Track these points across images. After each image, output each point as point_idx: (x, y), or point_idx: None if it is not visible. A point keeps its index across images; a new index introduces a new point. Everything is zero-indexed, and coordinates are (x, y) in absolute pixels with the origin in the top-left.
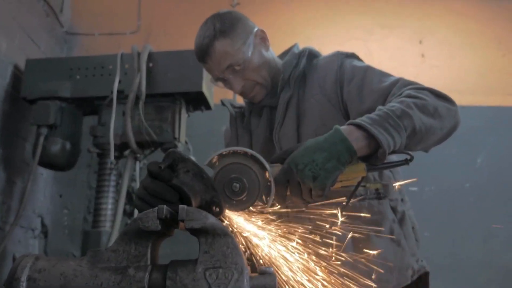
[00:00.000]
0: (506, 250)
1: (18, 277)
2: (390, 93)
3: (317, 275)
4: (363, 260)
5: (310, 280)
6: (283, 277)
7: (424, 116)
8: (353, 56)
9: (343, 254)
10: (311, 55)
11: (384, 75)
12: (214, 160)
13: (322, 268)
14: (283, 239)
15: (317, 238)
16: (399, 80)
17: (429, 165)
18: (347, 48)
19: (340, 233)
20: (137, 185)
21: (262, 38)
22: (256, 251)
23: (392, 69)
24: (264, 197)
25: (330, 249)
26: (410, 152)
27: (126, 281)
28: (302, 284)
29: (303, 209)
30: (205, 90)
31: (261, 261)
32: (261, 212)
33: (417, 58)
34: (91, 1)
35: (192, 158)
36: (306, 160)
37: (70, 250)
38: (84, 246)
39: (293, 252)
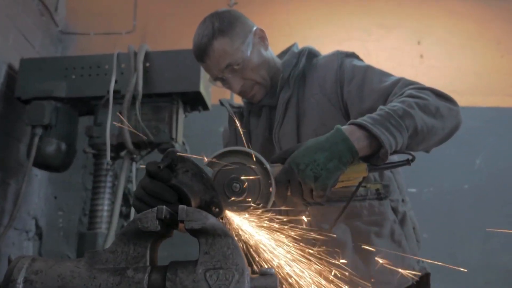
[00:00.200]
0: (504, 252)
1: (15, 279)
2: (391, 93)
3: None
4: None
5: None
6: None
7: (426, 116)
8: (353, 55)
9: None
10: (311, 54)
11: (384, 74)
12: (214, 160)
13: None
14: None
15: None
16: (400, 80)
17: (427, 166)
18: (345, 48)
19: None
20: (133, 186)
21: (261, 37)
22: (258, 252)
23: (390, 69)
24: (264, 198)
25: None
26: (412, 152)
27: (125, 283)
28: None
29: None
30: (202, 90)
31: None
32: (261, 213)
33: (416, 59)
34: (86, 1)
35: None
36: (307, 160)
37: (65, 252)
38: (80, 248)
39: (293, 253)
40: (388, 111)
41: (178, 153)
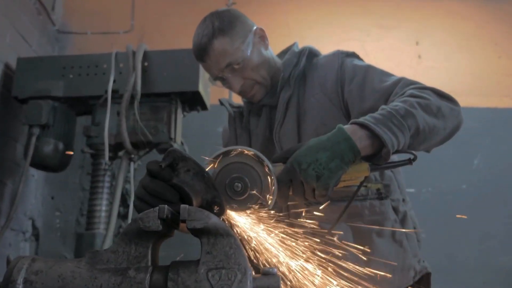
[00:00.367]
0: (503, 252)
1: (14, 279)
2: (392, 93)
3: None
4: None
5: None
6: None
7: (428, 116)
8: (353, 55)
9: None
10: (311, 54)
11: (385, 74)
12: (215, 159)
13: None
14: (286, 239)
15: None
16: (401, 80)
17: (426, 166)
18: (343, 49)
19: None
20: (131, 186)
21: (261, 37)
22: (260, 253)
23: (388, 70)
24: (266, 197)
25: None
26: (413, 152)
27: (127, 283)
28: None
29: (304, 209)
30: (201, 90)
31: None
32: (263, 212)
33: (414, 59)
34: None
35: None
36: (309, 160)
37: (62, 253)
38: (78, 249)
39: (296, 254)
40: (390, 111)
41: (179, 152)
